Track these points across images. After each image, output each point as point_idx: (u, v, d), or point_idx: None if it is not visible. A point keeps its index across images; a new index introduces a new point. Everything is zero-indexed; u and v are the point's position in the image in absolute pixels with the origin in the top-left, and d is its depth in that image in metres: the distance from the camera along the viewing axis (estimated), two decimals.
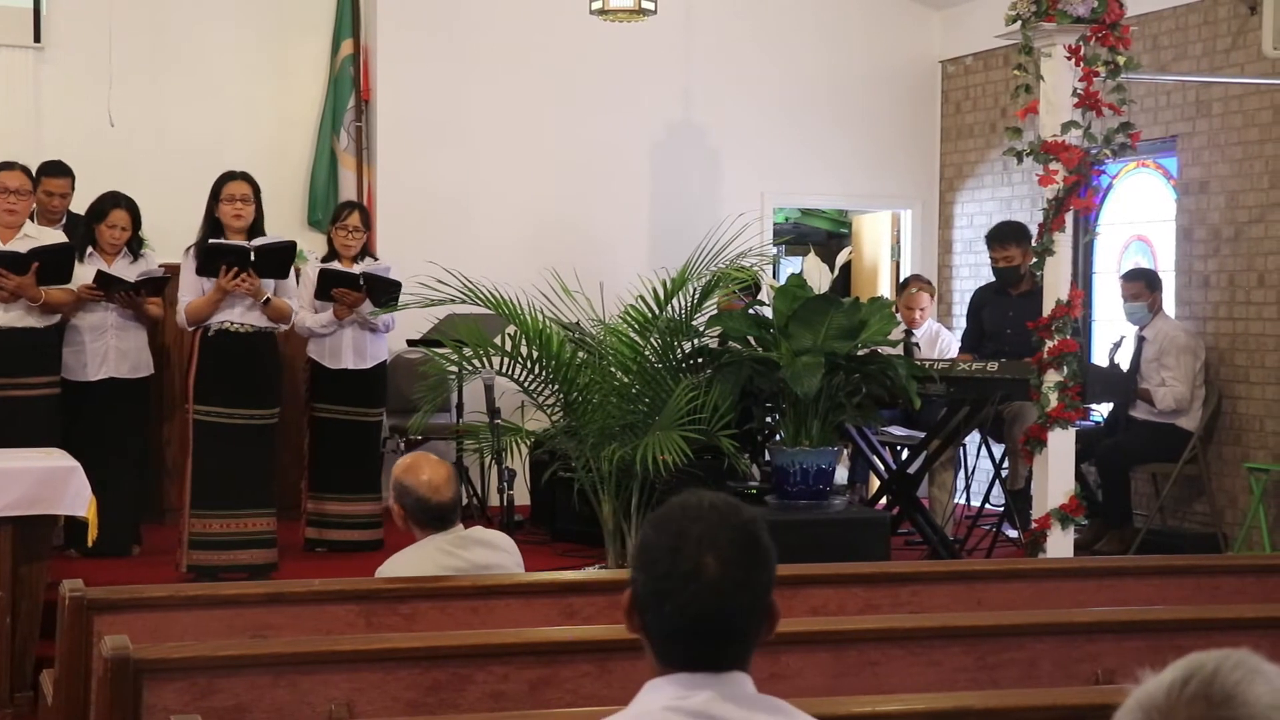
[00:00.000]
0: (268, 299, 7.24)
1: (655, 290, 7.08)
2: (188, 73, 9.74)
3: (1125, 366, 8.58)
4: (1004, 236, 8.66)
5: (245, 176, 7.35)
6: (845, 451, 8.99)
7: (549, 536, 8.51)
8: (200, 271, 7.18)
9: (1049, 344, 6.80)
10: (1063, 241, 6.81)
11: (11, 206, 7.17)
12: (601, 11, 8.81)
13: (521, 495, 8.37)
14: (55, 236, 7.40)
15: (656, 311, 7.10)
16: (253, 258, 7.14)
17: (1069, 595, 4.82)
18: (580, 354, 7.06)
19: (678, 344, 7.24)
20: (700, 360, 7.33)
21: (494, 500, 8.48)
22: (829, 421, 7.02)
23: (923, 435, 8.47)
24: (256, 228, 7.35)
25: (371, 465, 8.25)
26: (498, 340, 7.09)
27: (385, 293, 7.85)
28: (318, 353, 8.08)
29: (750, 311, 7.55)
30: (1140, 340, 8.62)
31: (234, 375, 7.24)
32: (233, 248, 7.15)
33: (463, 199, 9.97)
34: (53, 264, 7.12)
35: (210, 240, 7.20)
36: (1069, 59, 6.68)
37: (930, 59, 11.17)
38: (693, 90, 10.58)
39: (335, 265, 8.01)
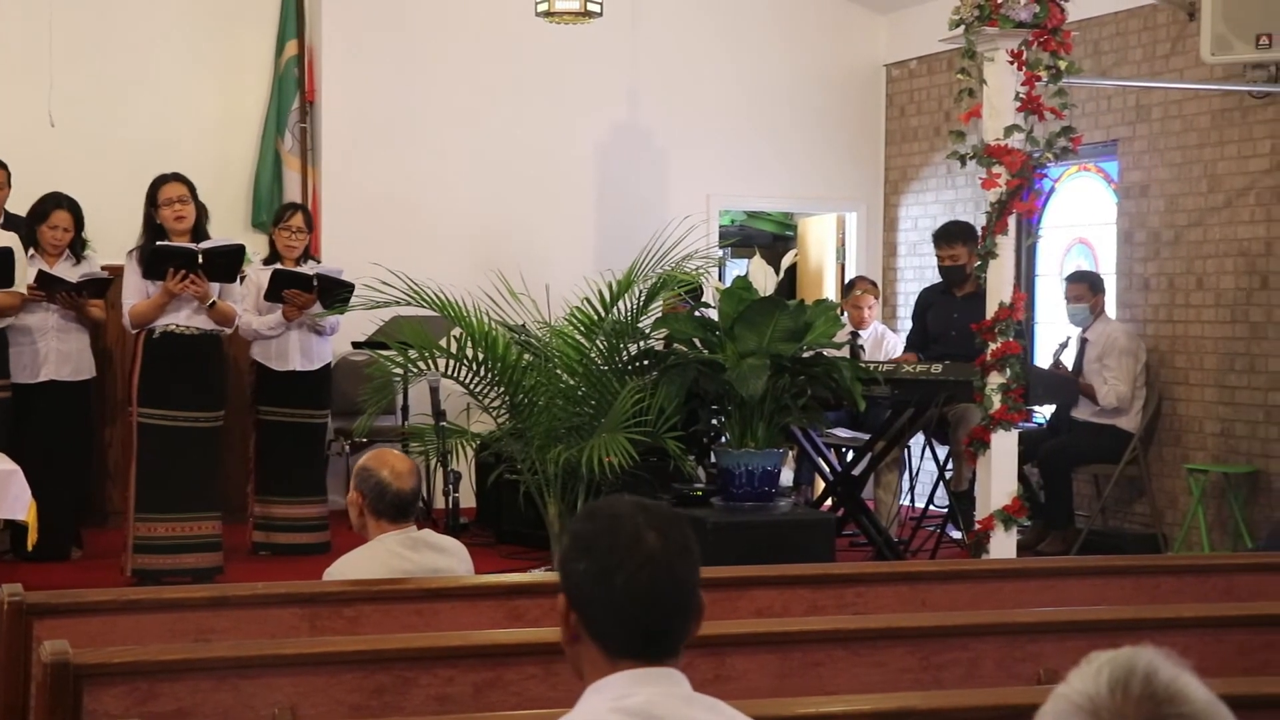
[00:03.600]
0: (213, 302, 7.19)
1: (601, 292, 7.08)
2: (129, 73, 9.67)
3: (1070, 367, 8.65)
4: (950, 236, 8.72)
5: (179, 177, 7.28)
6: (790, 453, 9.02)
7: (494, 539, 8.50)
8: (147, 275, 7.11)
9: (992, 346, 6.85)
10: (1005, 244, 6.86)
11: None
12: (547, 14, 8.81)
13: (467, 497, 8.36)
14: (6, 239, 7.31)
15: (602, 314, 7.10)
16: (200, 260, 7.09)
17: (1011, 596, 4.84)
18: (526, 356, 7.05)
19: (623, 346, 7.24)
20: (646, 363, 7.33)
21: (439, 503, 8.46)
22: (774, 423, 7.03)
23: (867, 437, 8.51)
24: (199, 226, 7.29)
25: (318, 468, 8.21)
26: (443, 342, 7.07)
27: (336, 295, 7.82)
28: (263, 355, 8.03)
29: (696, 314, 7.56)
30: (1083, 342, 8.70)
31: (179, 378, 7.19)
32: (181, 250, 7.08)
33: (408, 200, 9.94)
34: None
35: (158, 243, 7.13)
36: (1011, 63, 6.72)
37: (875, 62, 11.23)
38: (638, 92, 10.59)
39: (286, 266, 7.98)
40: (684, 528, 2.25)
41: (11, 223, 7.96)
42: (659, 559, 2.19)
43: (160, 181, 7.26)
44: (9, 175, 8.03)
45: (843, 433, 8.96)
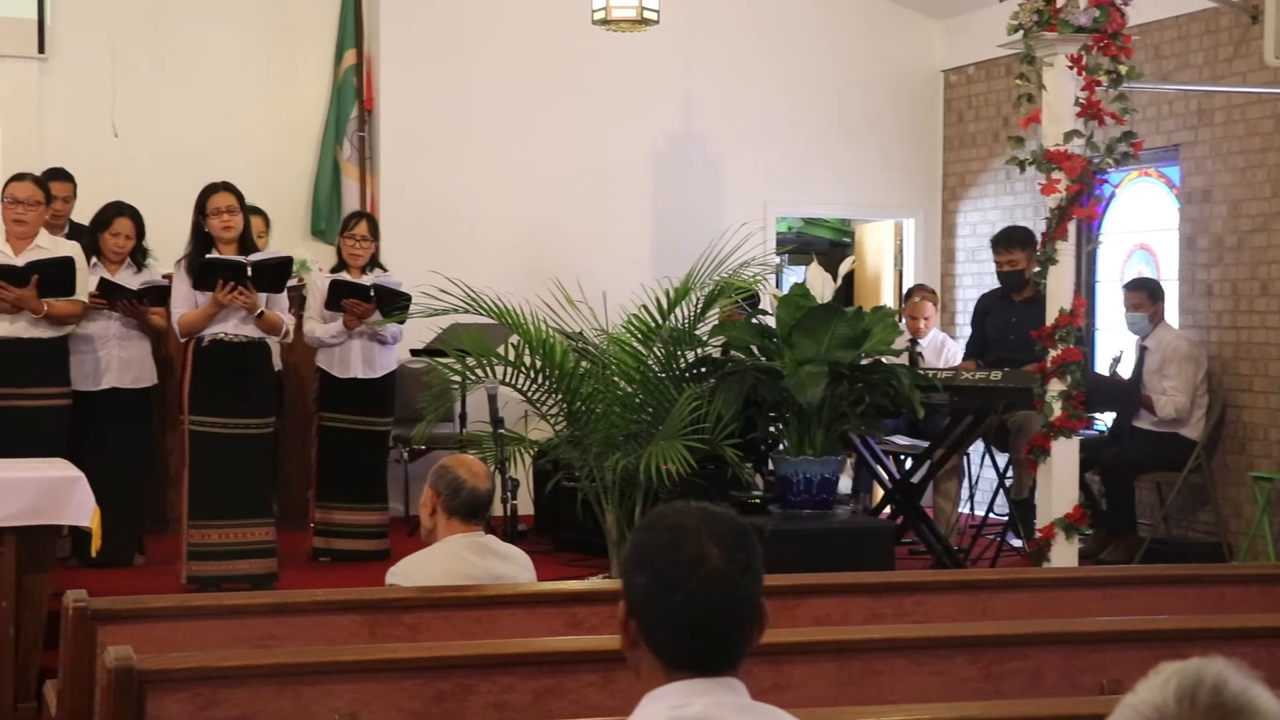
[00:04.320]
0: (261, 312, 7.23)
1: (658, 299, 7.09)
2: (191, 83, 9.76)
3: (1126, 378, 8.58)
4: (1008, 240, 8.67)
5: (228, 186, 7.30)
6: (849, 461, 8.99)
7: (553, 546, 8.51)
8: (197, 286, 7.16)
9: (1052, 353, 6.80)
10: (1065, 250, 6.81)
11: (20, 217, 7.15)
12: (604, 21, 8.81)
13: (525, 505, 8.36)
14: (69, 248, 7.37)
15: (660, 321, 7.10)
16: (250, 273, 7.13)
17: (1073, 605, 4.81)
18: (583, 363, 7.06)
19: (681, 353, 7.23)
20: (703, 370, 7.32)
21: (498, 510, 8.47)
22: (832, 431, 7.01)
23: (926, 444, 8.46)
24: (246, 236, 7.34)
25: (379, 475, 8.25)
26: (501, 350, 7.09)
27: (394, 304, 7.87)
28: (327, 362, 8.08)
29: (753, 321, 7.55)
30: (1142, 350, 8.62)
31: (228, 385, 7.22)
32: (230, 263, 7.12)
33: (466, 208, 9.98)
34: (54, 276, 7.12)
35: (208, 256, 7.17)
36: (1071, 68, 6.68)
37: (932, 68, 11.18)
38: (694, 99, 10.59)
39: (346, 276, 8.03)
40: (749, 541, 2.22)
41: (75, 232, 8.05)
42: (720, 577, 2.16)
43: (210, 191, 7.30)
44: (75, 187, 8.12)
45: (901, 440, 8.92)
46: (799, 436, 6.97)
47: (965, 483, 9.13)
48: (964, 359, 8.92)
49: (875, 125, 11.02)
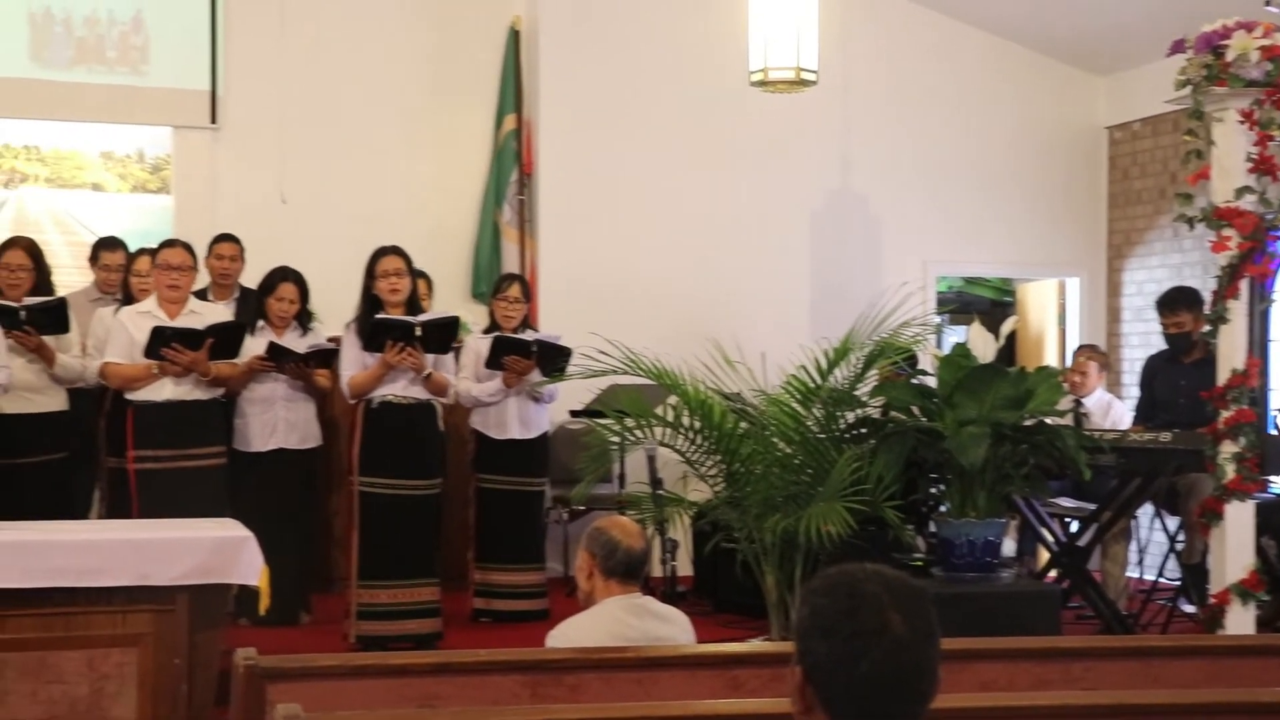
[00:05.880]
0: (429, 373, 7.34)
1: (817, 360, 7.05)
2: (355, 150, 10.00)
3: None
4: (1174, 302, 8.49)
5: (397, 250, 7.46)
6: (1013, 523, 8.84)
7: (712, 608, 8.48)
8: (367, 347, 7.30)
9: (1224, 414, 6.63)
10: (1237, 309, 6.65)
11: (174, 282, 7.35)
12: (761, 83, 8.84)
13: (684, 566, 8.36)
14: (220, 312, 7.59)
15: (819, 382, 7.06)
16: (419, 333, 7.25)
17: (1250, 674, 4.66)
18: (742, 424, 7.04)
19: (840, 414, 7.19)
20: (863, 430, 7.27)
21: (657, 571, 8.47)
22: (996, 492, 6.90)
23: (1093, 507, 8.29)
24: (413, 298, 7.47)
25: (536, 535, 8.29)
26: (659, 410, 7.10)
27: (555, 361, 7.94)
28: (483, 424, 8.17)
29: (913, 381, 7.48)
30: None
31: (397, 447, 7.34)
32: (399, 323, 7.25)
33: (624, 270, 10.04)
34: (224, 340, 7.32)
35: (378, 315, 7.32)
36: (1242, 123, 6.53)
37: (1096, 125, 11.04)
38: (852, 158, 10.57)
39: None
40: (928, 607, 2.18)
41: (243, 295, 8.27)
42: (904, 646, 2.13)
43: (379, 254, 7.46)
44: (242, 250, 8.34)
45: (1067, 502, 8.75)
46: (961, 498, 6.88)
47: (1134, 546, 8.92)
48: (1133, 423, 8.73)
49: (1038, 183, 10.90)
